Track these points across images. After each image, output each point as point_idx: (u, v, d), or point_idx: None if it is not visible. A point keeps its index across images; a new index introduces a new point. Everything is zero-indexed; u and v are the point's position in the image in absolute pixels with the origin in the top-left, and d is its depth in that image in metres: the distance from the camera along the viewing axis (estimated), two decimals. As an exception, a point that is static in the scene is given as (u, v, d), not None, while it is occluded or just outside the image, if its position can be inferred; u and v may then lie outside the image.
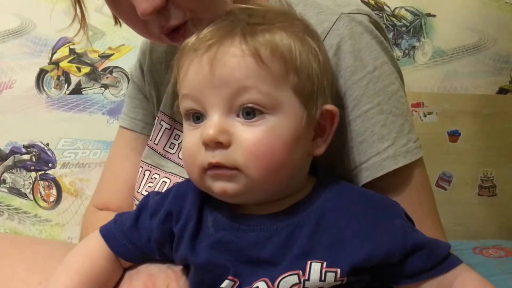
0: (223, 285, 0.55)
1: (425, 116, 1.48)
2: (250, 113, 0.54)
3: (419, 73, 1.49)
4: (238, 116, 0.55)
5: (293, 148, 0.56)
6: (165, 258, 0.63)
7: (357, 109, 0.65)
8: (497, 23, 1.47)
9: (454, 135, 1.49)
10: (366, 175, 0.65)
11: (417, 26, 1.50)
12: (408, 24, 1.50)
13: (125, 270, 0.64)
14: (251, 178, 0.54)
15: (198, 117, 0.57)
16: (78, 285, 0.60)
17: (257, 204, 0.58)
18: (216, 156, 0.54)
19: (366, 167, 0.65)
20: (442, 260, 0.56)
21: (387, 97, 0.66)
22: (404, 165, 0.65)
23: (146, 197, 0.65)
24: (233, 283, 0.55)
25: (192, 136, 0.57)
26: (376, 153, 0.65)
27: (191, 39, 0.58)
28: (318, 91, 0.58)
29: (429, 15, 1.49)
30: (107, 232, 0.63)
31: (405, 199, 0.64)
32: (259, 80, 0.54)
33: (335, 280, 0.53)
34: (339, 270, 0.53)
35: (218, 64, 0.54)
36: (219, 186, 0.55)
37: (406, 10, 1.50)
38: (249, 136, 0.54)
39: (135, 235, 0.62)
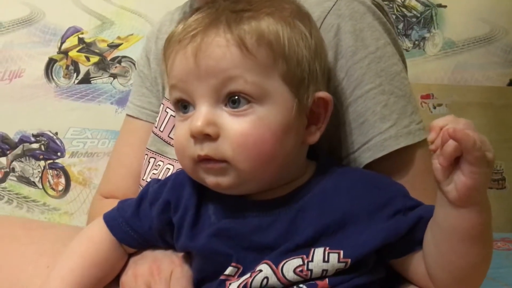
0: (227, 272, 0.55)
1: (434, 108, 1.47)
2: (236, 101, 0.53)
3: (429, 65, 1.47)
4: (225, 105, 0.54)
5: (284, 138, 0.55)
6: (168, 246, 0.63)
7: (358, 90, 0.64)
8: (508, 14, 1.45)
9: (463, 127, 1.48)
10: (368, 156, 0.64)
11: (427, 17, 1.48)
12: (419, 15, 1.48)
13: (130, 255, 0.65)
14: (240, 170, 0.54)
15: (185, 106, 0.56)
16: (82, 270, 0.60)
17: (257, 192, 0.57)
18: (204, 149, 0.53)
19: (368, 148, 0.64)
20: None
21: (389, 78, 0.65)
22: (407, 146, 0.64)
23: (147, 185, 0.65)
24: (236, 269, 0.55)
25: (181, 128, 0.56)
26: (377, 133, 0.64)
27: (177, 29, 0.57)
28: (310, 78, 0.57)
29: (440, 5, 1.48)
30: (110, 219, 0.63)
31: (409, 184, 0.63)
32: (246, 69, 0.53)
33: (339, 261, 0.53)
34: (342, 252, 0.53)
35: (202, 56, 0.53)
36: (211, 180, 0.55)
37: (417, 0, 1.48)
38: (237, 127, 0.53)
39: (137, 223, 0.62)
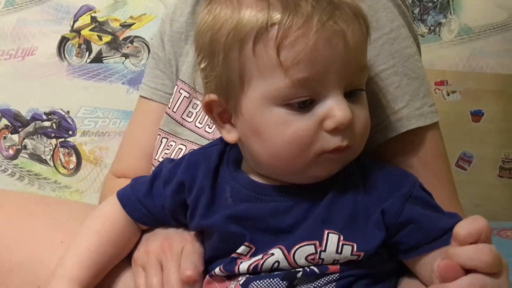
0: (239, 250, 0.55)
1: (448, 94, 1.45)
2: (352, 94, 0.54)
3: (444, 51, 1.45)
4: (344, 95, 0.53)
5: None
6: (180, 225, 0.64)
7: (371, 70, 0.64)
8: (527, 0, 1.42)
9: (477, 115, 1.46)
10: (380, 137, 0.64)
11: (444, 2, 1.46)
12: (435, 0, 1.46)
13: (143, 232, 0.65)
14: (356, 152, 0.55)
15: (305, 103, 0.52)
16: (97, 247, 0.61)
17: None
18: (345, 139, 0.52)
19: (380, 129, 0.64)
20: (443, 233, 0.53)
21: (402, 60, 0.65)
22: (418, 127, 0.64)
23: (160, 164, 0.65)
24: (249, 249, 0.55)
25: (303, 121, 0.52)
26: (389, 114, 0.64)
27: (304, 7, 0.50)
28: None
29: (457, -9, 1.45)
30: (124, 197, 0.64)
31: (420, 166, 0.63)
32: (366, 56, 0.55)
33: (352, 254, 0.53)
34: (355, 245, 0.53)
35: (352, 41, 0.51)
36: (328, 170, 0.54)
37: (434, -15, 1.46)
38: (362, 114, 0.54)
39: (149, 202, 0.63)
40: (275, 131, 0.53)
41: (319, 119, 0.52)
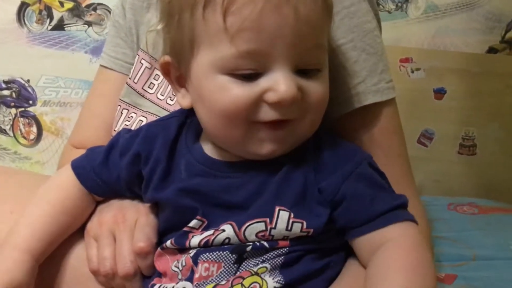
0: (191, 224, 0.55)
1: (412, 72, 1.47)
2: (306, 70, 0.52)
3: (410, 28, 1.46)
4: (296, 72, 0.52)
5: None
6: (135, 196, 0.63)
7: (330, 44, 0.64)
8: (493, -20, 1.44)
9: (439, 93, 1.48)
10: (336, 111, 0.64)
11: (412, -22, 1.46)
12: (404, -24, 1.46)
13: (98, 203, 0.65)
14: (306, 129, 0.54)
15: (250, 75, 0.51)
16: (50, 217, 0.60)
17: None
18: (286, 114, 0.51)
19: (336, 103, 0.64)
20: (375, 216, 0.52)
21: (362, 34, 0.65)
22: (375, 103, 0.64)
23: (117, 134, 0.64)
24: (201, 223, 0.55)
25: (242, 90, 0.51)
26: (346, 89, 0.64)
27: None
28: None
29: (425, -33, 1.45)
30: (78, 166, 0.63)
31: (374, 141, 0.63)
32: (325, 35, 0.53)
33: (301, 231, 0.53)
34: (305, 222, 0.53)
35: (304, 13, 0.49)
36: (269, 148, 0.53)
37: (403, -39, 1.46)
38: (317, 91, 0.53)
39: (104, 172, 0.62)
40: (214, 97, 0.52)
41: (262, 90, 0.51)
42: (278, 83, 0.50)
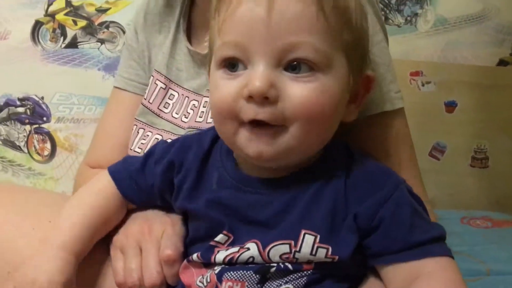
0: (217, 238, 0.56)
1: (423, 85, 1.47)
2: (296, 67, 0.50)
3: (420, 41, 1.47)
4: (285, 69, 0.50)
5: (337, 112, 0.53)
6: (166, 205, 0.64)
7: None
8: (502, -8, 1.44)
9: (451, 106, 1.48)
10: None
11: (421, -8, 1.47)
12: (412, -10, 1.47)
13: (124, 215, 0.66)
14: (294, 137, 0.50)
15: (234, 65, 0.51)
16: (90, 220, 0.61)
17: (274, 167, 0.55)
18: (260, 113, 0.49)
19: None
20: (412, 246, 0.51)
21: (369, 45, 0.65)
22: (383, 112, 0.65)
23: (155, 144, 0.66)
24: (227, 238, 0.56)
25: (228, 86, 0.51)
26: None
27: None
28: (365, 54, 0.56)
29: (434, -19, 1.46)
30: (115, 171, 0.64)
31: (383, 150, 0.63)
32: (317, 34, 0.50)
33: (326, 256, 0.53)
34: (330, 248, 0.52)
35: (279, 8, 0.49)
36: (254, 149, 0.51)
37: (411, -25, 1.47)
38: (301, 93, 0.49)
39: (140, 178, 0.63)
40: (211, 94, 0.55)
41: (241, 85, 0.51)
42: (252, 77, 0.50)
